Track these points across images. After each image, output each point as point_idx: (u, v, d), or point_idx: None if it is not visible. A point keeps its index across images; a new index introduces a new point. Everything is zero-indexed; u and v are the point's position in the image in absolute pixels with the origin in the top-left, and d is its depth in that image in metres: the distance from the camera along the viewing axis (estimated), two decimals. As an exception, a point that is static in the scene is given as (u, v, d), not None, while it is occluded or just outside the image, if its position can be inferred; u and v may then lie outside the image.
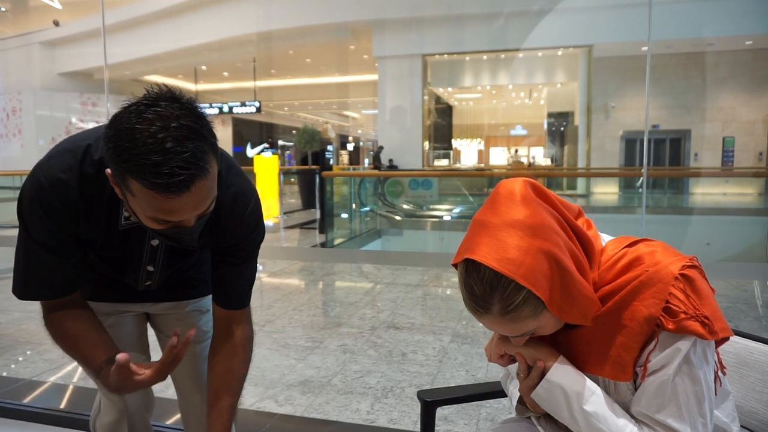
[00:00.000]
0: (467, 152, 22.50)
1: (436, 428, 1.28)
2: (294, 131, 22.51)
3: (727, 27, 10.96)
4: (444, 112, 19.01)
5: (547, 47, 13.55)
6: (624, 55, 12.37)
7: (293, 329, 3.62)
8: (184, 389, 1.36)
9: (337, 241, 7.91)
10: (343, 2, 12.62)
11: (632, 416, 0.84)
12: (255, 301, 4.38)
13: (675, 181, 11.38)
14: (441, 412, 2.30)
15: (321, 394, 2.58)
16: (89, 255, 1.12)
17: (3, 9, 14.36)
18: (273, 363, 3.00)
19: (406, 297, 4.49)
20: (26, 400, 2.50)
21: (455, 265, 0.83)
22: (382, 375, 2.82)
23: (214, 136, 0.90)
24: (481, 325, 3.21)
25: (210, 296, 1.23)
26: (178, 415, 1.43)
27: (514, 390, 1.03)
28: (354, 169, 18.93)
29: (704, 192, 11.38)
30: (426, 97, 13.91)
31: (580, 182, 12.60)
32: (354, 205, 8.55)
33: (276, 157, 12.55)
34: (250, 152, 19.11)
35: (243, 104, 16.09)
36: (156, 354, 1.36)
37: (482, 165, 20.39)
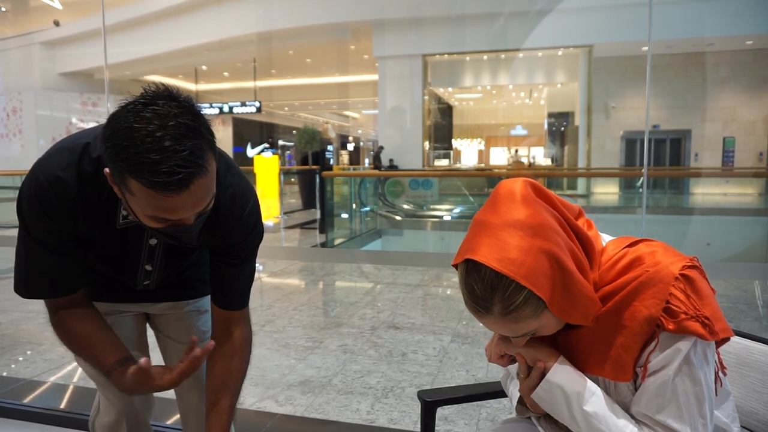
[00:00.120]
0: (467, 152, 22.51)
1: (436, 428, 1.28)
2: (294, 131, 22.52)
3: (728, 27, 10.95)
4: (444, 112, 19.01)
5: (547, 47, 13.55)
6: (624, 55, 12.37)
7: (293, 329, 3.62)
8: (182, 389, 1.36)
9: (337, 241, 7.91)
10: (343, 2, 12.62)
11: (632, 417, 0.84)
12: (255, 301, 4.38)
13: (675, 182, 11.39)
14: (441, 412, 2.30)
15: (321, 394, 2.58)
16: (88, 254, 1.12)
17: (3, 9, 14.37)
18: (273, 363, 3.00)
19: (406, 297, 4.49)
20: (26, 400, 2.50)
21: (456, 266, 0.83)
22: (383, 375, 2.82)
23: (212, 134, 0.90)
24: (481, 325, 3.20)
25: (209, 297, 1.23)
26: (178, 415, 1.43)
27: (514, 390, 1.03)
28: (354, 169, 18.93)
29: (704, 192, 11.38)
30: (426, 97, 13.92)
31: (581, 182, 12.61)
32: (354, 205, 8.55)
33: (276, 157, 12.55)
34: (251, 152, 19.12)
35: (243, 104, 16.09)
36: (155, 354, 1.36)
37: (482, 165, 20.40)
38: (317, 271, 5.77)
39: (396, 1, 12.47)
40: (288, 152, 24.09)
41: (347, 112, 27.16)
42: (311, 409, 2.44)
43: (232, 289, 1.18)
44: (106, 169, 0.90)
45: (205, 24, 13.32)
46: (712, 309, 0.79)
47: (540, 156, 18.97)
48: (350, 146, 28.76)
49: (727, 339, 0.82)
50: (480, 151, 23.20)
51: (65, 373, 2.87)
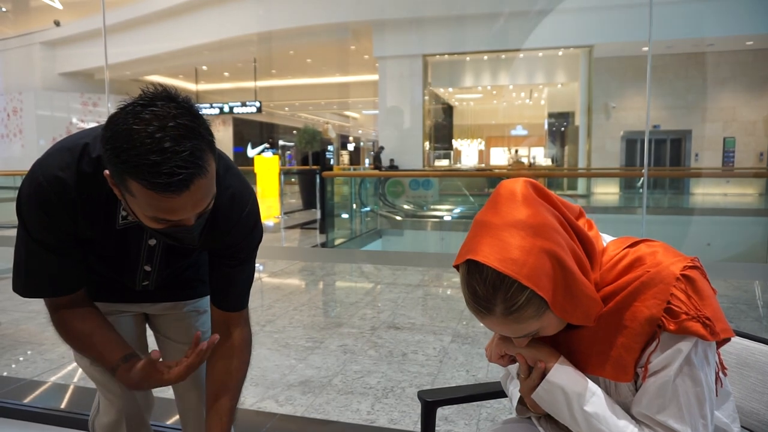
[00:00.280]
0: (468, 152, 22.50)
1: (436, 428, 1.28)
2: (294, 131, 22.52)
3: (728, 27, 10.95)
4: (444, 112, 19.01)
5: (547, 47, 13.55)
6: (625, 55, 12.37)
7: (294, 329, 3.62)
8: (181, 389, 1.36)
9: (337, 242, 7.91)
10: (343, 2, 12.62)
11: (633, 417, 0.84)
12: (255, 301, 4.38)
13: (676, 182, 11.39)
14: (441, 412, 2.30)
15: (321, 394, 2.58)
16: (87, 255, 1.12)
17: (4, 9, 14.37)
18: (273, 363, 3.00)
19: (406, 297, 4.49)
20: (27, 400, 2.50)
21: (457, 267, 0.83)
22: (383, 375, 2.82)
23: (211, 134, 0.90)
24: (481, 325, 3.20)
25: (208, 297, 1.23)
26: (178, 416, 1.43)
27: (514, 390, 1.03)
28: (354, 169, 18.93)
29: (705, 192, 11.38)
30: (426, 98, 13.91)
31: (581, 182, 12.60)
32: (354, 206, 8.55)
33: (276, 157, 12.55)
34: (251, 152, 19.12)
35: (244, 104, 16.09)
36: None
37: (483, 165, 20.39)
38: (317, 271, 5.77)
39: (396, 2, 12.47)
40: (288, 152, 24.09)
41: (347, 113, 27.16)
42: (311, 409, 2.44)
43: (232, 290, 1.18)
44: (106, 171, 0.90)
45: (205, 24, 13.32)
46: (713, 309, 0.79)
47: (540, 156, 18.97)
48: (350, 146, 28.76)
49: (727, 339, 0.82)
50: (480, 152, 23.20)
51: (65, 373, 2.87)
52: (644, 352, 0.81)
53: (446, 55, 14.59)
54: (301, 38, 13.61)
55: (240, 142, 21.84)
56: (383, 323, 3.74)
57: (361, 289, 5.10)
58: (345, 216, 8.51)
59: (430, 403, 1.24)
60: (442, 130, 18.20)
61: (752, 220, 8.63)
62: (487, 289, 0.77)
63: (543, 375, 0.87)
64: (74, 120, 15.67)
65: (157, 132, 0.81)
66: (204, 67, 17.70)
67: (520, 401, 1.00)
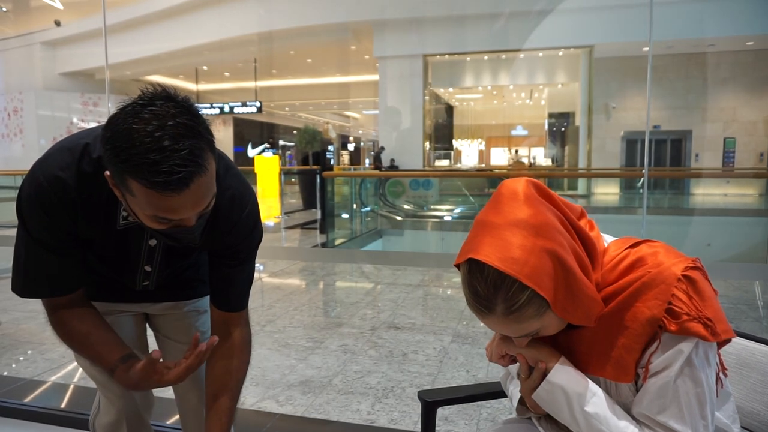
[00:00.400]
0: (468, 152, 22.48)
1: (436, 428, 1.28)
2: (295, 131, 22.52)
3: (729, 27, 10.94)
4: (445, 112, 19.01)
5: (548, 48, 13.54)
6: (625, 55, 12.36)
7: (294, 329, 3.62)
8: (181, 389, 1.36)
9: (337, 242, 7.91)
10: (344, 3, 12.62)
11: (633, 417, 0.84)
12: (256, 301, 4.38)
13: (676, 182, 11.38)
14: (441, 412, 2.29)
15: (322, 394, 2.58)
16: (87, 255, 1.12)
17: (4, 9, 14.38)
18: (274, 363, 3.00)
19: (406, 297, 4.49)
20: (27, 400, 2.50)
21: (458, 266, 0.83)
22: (383, 375, 2.82)
23: (210, 133, 0.91)
24: (481, 325, 3.18)
25: (208, 297, 1.23)
26: (178, 416, 1.43)
27: (514, 390, 1.03)
28: (355, 169, 18.92)
29: (705, 193, 11.37)
30: (427, 98, 13.91)
31: (581, 183, 12.59)
32: (355, 206, 8.55)
33: (277, 157, 12.56)
34: (251, 152, 19.13)
35: (244, 104, 16.09)
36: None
37: (483, 165, 20.38)
38: (318, 272, 5.77)
39: (396, 2, 12.46)
40: (288, 152, 24.09)
41: (348, 113, 27.16)
42: (311, 409, 2.44)
43: (231, 291, 1.18)
44: (107, 172, 0.90)
45: (205, 24, 13.33)
46: (714, 310, 0.79)
47: (540, 156, 18.96)
48: (351, 146, 28.76)
49: (728, 340, 0.82)
50: (480, 152, 23.19)
51: (66, 372, 2.87)
52: (645, 353, 0.81)
53: (447, 56, 14.58)
54: (301, 38, 13.61)
55: (240, 142, 21.84)
56: (383, 323, 3.74)
57: (362, 289, 5.10)
58: (345, 216, 8.52)
59: (431, 403, 1.24)
60: (442, 130, 18.20)
61: (752, 220, 8.62)
62: (488, 288, 0.77)
63: (544, 375, 0.87)
64: (75, 120, 15.68)
65: (156, 131, 0.82)
66: (204, 67, 17.70)
67: (520, 401, 1.00)
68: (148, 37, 13.81)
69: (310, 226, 9.30)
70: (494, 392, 1.25)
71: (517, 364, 0.94)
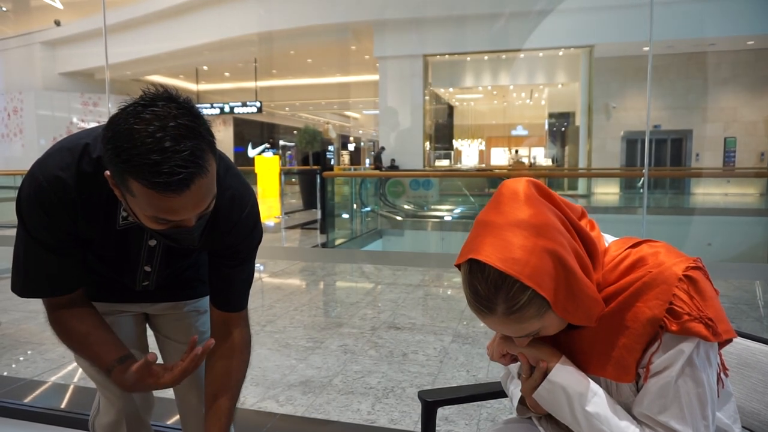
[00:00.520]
0: (468, 153, 22.48)
1: (436, 428, 1.27)
2: (295, 131, 22.50)
3: (729, 27, 10.94)
4: (445, 112, 19.00)
5: (548, 48, 13.54)
6: (625, 55, 12.36)
7: (294, 329, 3.62)
8: (181, 389, 1.36)
9: (338, 242, 7.91)
10: (344, 3, 12.62)
11: (634, 417, 0.84)
12: (256, 301, 4.38)
13: (676, 182, 11.38)
14: (442, 412, 2.29)
15: (322, 395, 2.58)
16: (87, 255, 1.12)
17: (4, 9, 14.37)
18: (274, 363, 3.00)
19: (407, 297, 4.49)
20: (27, 400, 2.50)
21: (458, 266, 0.83)
22: (383, 375, 2.82)
23: (212, 134, 0.91)
24: (482, 325, 3.17)
25: (208, 297, 1.23)
26: (178, 416, 1.43)
27: (515, 390, 1.03)
28: (355, 169, 18.93)
29: (705, 192, 11.37)
30: (427, 98, 13.91)
31: (581, 182, 12.59)
32: (355, 206, 8.55)
33: (277, 157, 12.56)
34: (252, 152, 19.14)
35: (244, 104, 16.10)
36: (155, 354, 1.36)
37: (483, 165, 20.38)
38: (318, 272, 5.77)
39: (397, 2, 12.46)
40: (289, 152, 24.09)
41: (348, 113, 27.16)
42: (312, 409, 2.44)
43: (231, 291, 1.18)
44: (107, 172, 0.90)
45: (206, 24, 13.32)
46: (715, 310, 0.79)
47: (541, 156, 18.96)
48: (351, 146, 28.76)
49: (730, 340, 0.82)
50: (481, 152, 23.19)
51: (66, 372, 2.87)
52: (646, 353, 0.81)
53: (447, 56, 14.58)
54: (301, 38, 13.61)
55: (240, 142, 21.84)
56: (384, 323, 3.74)
57: (362, 289, 5.10)
58: (345, 216, 8.52)
59: (431, 403, 1.24)
60: (442, 130, 18.19)
61: (753, 220, 8.62)
62: (488, 288, 0.77)
63: (545, 375, 0.87)
64: (75, 120, 15.68)
65: (157, 132, 0.82)
66: (205, 67, 17.71)
67: (521, 401, 0.99)
68: (149, 37, 13.81)
69: (311, 226, 9.30)
70: (494, 392, 1.25)
71: (518, 363, 0.94)
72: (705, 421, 0.79)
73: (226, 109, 16.15)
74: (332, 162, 14.11)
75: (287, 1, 13.02)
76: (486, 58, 15.03)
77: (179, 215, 0.88)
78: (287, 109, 24.74)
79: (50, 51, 15.65)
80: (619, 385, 0.85)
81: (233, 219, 1.11)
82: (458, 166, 18.67)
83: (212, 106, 16.23)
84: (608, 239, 0.93)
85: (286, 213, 10.98)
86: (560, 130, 17.38)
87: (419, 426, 1.28)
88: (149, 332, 1.40)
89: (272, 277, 5.44)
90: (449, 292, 4.85)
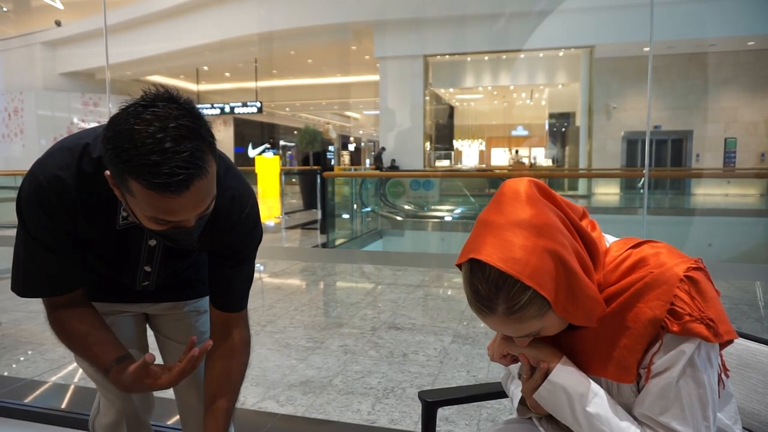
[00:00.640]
0: (468, 153, 22.49)
1: (437, 429, 1.27)
2: (295, 131, 22.51)
3: (730, 28, 10.94)
4: (445, 112, 19.00)
5: (548, 48, 13.54)
6: (626, 55, 12.36)
7: (294, 329, 3.62)
8: (181, 389, 1.36)
9: (338, 242, 7.91)
10: (344, 3, 12.62)
11: (635, 418, 0.83)
12: (256, 301, 4.38)
13: (677, 182, 11.37)
14: (442, 412, 2.29)
15: (322, 395, 2.58)
16: (87, 254, 1.12)
17: (5, 9, 14.38)
18: (274, 363, 3.00)
19: (407, 297, 4.49)
20: (27, 400, 2.50)
21: (459, 266, 0.83)
22: (383, 375, 2.82)
23: (212, 136, 0.91)
24: (482, 325, 3.17)
25: (208, 297, 1.23)
26: (178, 416, 1.43)
27: (515, 390, 1.03)
28: (355, 169, 18.92)
29: (706, 193, 11.36)
30: (427, 98, 13.91)
31: (582, 183, 12.58)
32: (355, 206, 8.55)
33: (277, 157, 12.56)
34: (252, 152, 19.15)
35: (244, 104, 16.10)
36: (154, 354, 1.36)
37: (483, 166, 20.38)
38: (318, 272, 5.77)
39: (397, 2, 12.47)
40: (289, 152, 24.09)
41: (348, 113, 27.17)
42: (312, 409, 2.44)
43: (231, 291, 1.18)
44: (107, 172, 0.90)
45: (206, 24, 13.33)
46: (716, 311, 0.79)
47: (541, 157, 18.96)
48: (351, 147, 28.76)
49: (731, 341, 0.81)
50: (481, 152, 23.19)
51: (66, 373, 2.87)
52: (647, 354, 0.81)
53: (447, 56, 14.58)
54: (302, 38, 13.61)
55: (241, 143, 21.84)
56: (384, 323, 3.74)
57: (362, 289, 5.10)
58: (346, 216, 8.51)
59: (431, 404, 1.24)
60: (442, 131, 18.20)
61: (753, 220, 8.62)
62: (489, 288, 0.77)
63: (545, 375, 0.87)
64: (75, 120, 15.68)
65: (158, 132, 0.82)
66: (205, 68, 17.71)
67: (521, 401, 0.99)
68: (149, 37, 13.82)
69: (311, 226, 9.30)
70: (495, 392, 1.25)
71: (519, 363, 0.94)
72: (706, 422, 0.79)
73: (227, 109, 16.16)
74: (332, 162, 14.11)
75: (288, 2, 13.02)
76: (486, 58, 15.03)
77: (178, 216, 0.88)
78: (287, 109, 24.75)
79: (51, 51, 15.66)
80: (620, 385, 0.85)
81: (233, 219, 1.11)
82: (458, 166, 18.68)
83: (213, 107, 16.23)
84: (609, 240, 0.93)
85: (286, 213, 10.98)
86: (560, 130, 17.38)
87: (419, 426, 1.28)
88: (149, 332, 1.40)
89: (272, 277, 5.44)
90: (449, 293, 4.85)
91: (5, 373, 2.89)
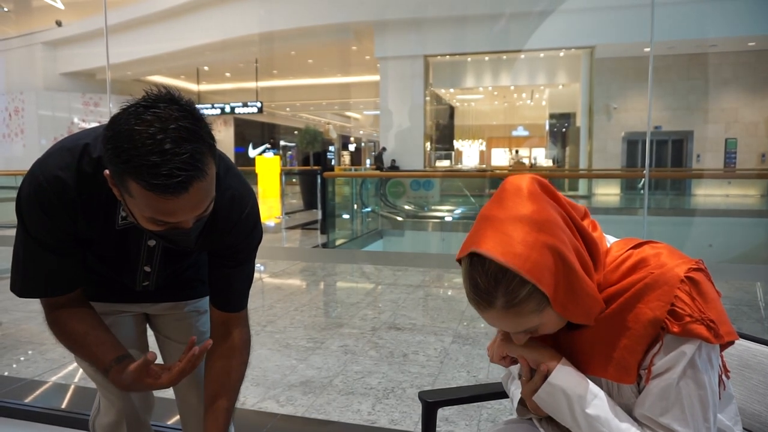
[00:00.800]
0: (469, 153, 22.49)
1: (437, 429, 1.27)
2: (296, 132, 22.53)
3: (730, 28, 10.93)
4: (446, 113, 19.00)
5: (549, 48, 13.54)
6: (626, 56, 12.36)
7: (294, 330, 3.62)
8: (181, 389, 1.36)
9: (338, 242, 7.91)
10: (345, 3, 12.63)
11: (635, 419, 0.83)
12: (256, 301, 4.38)
13: (677, 183, 11.37)
14: (442, 413, 2.29)
15: (322, 395, 2.58)
16: (87, 255, 1.12)
17: (6, 9, 14.39)
18: (274, 363, 3.00)
19: (407, 298, 4.49)
20: (28, 400, 2.50)
21: (459, 261, 0.83)
22: (384, 376, 2.82)
23: (212, 137, 0.91)
24: (482, 326, 3.18)
25: (208, 297, 1.23)
26: (178, 416, 1.43)
27: (515, 391, 1.03)
28: (356, 169, 18.92)
29: (706, 193, 11.35)
30: (428, 98, 13.92)
31: (582, 183, 12.58)
32: (355, 206, 8.55)
33: (278, 157, 12.56)
34: (252, 153, 19.14)
35: (245, 105, 16.10)
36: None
37: (484, 166, 20.38)
38: (318, 272, 5.77)
39: (398, 2, 12.47)
40: (289, 153, 24.08)
41: (349, 113, 27.17)
42: (312, 409, 2.44)
43: (231, 291, 1.18)
44: (106, 171, 0.90)
45: (207, 24, 13.33)
46: (717, 312, 0.79)
47: (541, 157, 18.95)
48: (352, 147, 28.76)
49: (731, 342, 0.81)
50: (481, 152, 23.18)
51: (66, 373, 2.87)
52: (647, 354, 0.80)
53: (447, 56, 14.59)
54: (302, 39, 13.62)
55: (241, 143, 21.84)
56: (384, 324, 3.74)
57: (362, 289, 5.10)
58: (346, 216, 8.51)
59: (431, 404, 1.24)
60: (443, 131, 18.20)
61: (754, 221, 8.62)
62: (488, 281, 0.77)
63: (545, 377, 0.87)
64: (76, 120, 15.69)
65: (158, 133, 0.82)
66: (205, 68, 17.71)
67: (521, 402, 0.99)
68: (150, 37, 13.82)
69: (311, 226, 9.30)
70: (495, 393, 1.25)
71: (519, 365, 0.94)
72: (707, 423, 0.79)
73: (227, 109, 16.16)
74: (333, 162, 14.10)
75: (288, 2, 13.02)
76: (487, 58, 15.03)
77: (176, 217, 0.88)
78: (288, 109, 24.75)
79: (51, 51, 15.66)
80: (621, 386, 0.85)
81: (233, 219, 1.11)
82: (459, 166, 18.68)
83: (213, 107, 16.24)
84: (610, 240, 0.93)
85: (286, 213, 10.98)
86: (561, 130, 17.38)
87: (419, 426, 1.28)
88: (149, 332, 1.40)
89: (273, 278, 5.44)
90: (450, 293, 4.85)
91: (5, 373, 2.89)
